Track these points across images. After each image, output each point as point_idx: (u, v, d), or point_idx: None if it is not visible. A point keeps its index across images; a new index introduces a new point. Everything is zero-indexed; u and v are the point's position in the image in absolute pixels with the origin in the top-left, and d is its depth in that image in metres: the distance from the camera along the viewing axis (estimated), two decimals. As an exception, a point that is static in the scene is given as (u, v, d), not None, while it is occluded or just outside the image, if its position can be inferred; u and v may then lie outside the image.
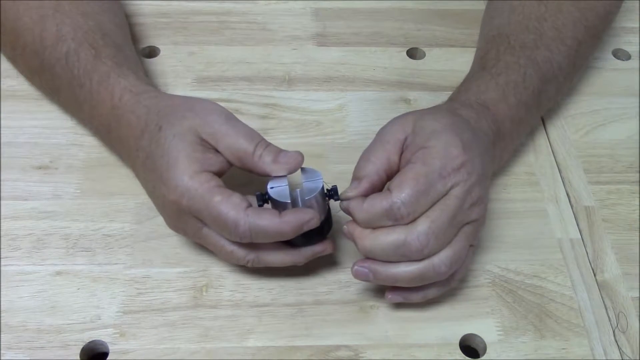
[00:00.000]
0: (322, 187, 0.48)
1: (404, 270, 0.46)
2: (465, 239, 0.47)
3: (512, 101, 0.55)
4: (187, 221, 0.48)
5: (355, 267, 0.47)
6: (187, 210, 0.47)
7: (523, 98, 0.56)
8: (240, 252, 0.48)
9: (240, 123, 0.49)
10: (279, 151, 0.48)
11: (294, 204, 0.47)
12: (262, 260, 0.49)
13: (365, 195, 0.47)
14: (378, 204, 0.45)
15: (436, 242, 0.46)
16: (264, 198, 0.48)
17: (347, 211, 0.47)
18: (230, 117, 0.49)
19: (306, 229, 0.46)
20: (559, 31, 0.59)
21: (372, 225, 0.46)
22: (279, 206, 0.47)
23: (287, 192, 0.47)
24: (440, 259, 0.46)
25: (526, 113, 0.57)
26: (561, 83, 0.61)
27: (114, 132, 0.53)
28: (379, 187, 0.48)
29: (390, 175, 0.48)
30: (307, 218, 0.46)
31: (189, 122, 0.49)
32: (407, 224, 0.46)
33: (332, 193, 0.48)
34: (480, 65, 0.58)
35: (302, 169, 0.48)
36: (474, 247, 0.50)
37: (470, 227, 0.48)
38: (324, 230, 0.49)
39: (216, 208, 0.46)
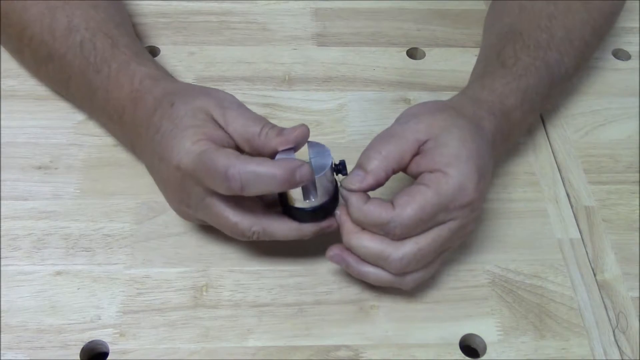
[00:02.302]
0: (332, 164, 0.47)
1: (374, 273, 0.48)
2: (440, 262, 0.49)
3: (526, 108, 0.55)
4: (190, 191, 0.47)
5: (331, 252, 0.48)
6: (186, 170, 0.46)
7: (535, 104, 0.56)
8: (245, 223, 0.47)
9: (249, 110, 0.49)
10: (282, 128, 0.48)
11: None
12: (268, 232, 0.48)
13: (368, 190, 0.47)
14: (377, 214, 0.46)
15: (415, 267, 0.47)
16: None
17: (346, 201, 0.47)
18: (241, 104, 0.50)
19: (299, 176, 0.44)
20: (568, 31, 0.59)
21: (363, 226, 0.47)
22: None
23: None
24: (412, 277, 0.48)
25: (532, 116, 0.58)
26: (565, 85, 0.61)
27: (127, 115, 0.53)
28: (383, 183, 0.48)
29: (397, 171, 0.48)
30: (298, 163, 0.45)
31: (201, 102, 0.49)
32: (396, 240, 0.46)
33: (341, 167, 0.48)
34: (500, 62, 0.57)
35: (310, 144, 0.48)
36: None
37: (448, 251, 0.50)
38: (331, 207, 0.48)
39: (208, 156, 0.45)
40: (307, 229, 0.49)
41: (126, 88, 0.53)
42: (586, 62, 0.65)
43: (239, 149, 0.48)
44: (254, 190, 0.44)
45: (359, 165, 0.48)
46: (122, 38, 0.56)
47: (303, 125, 0.47)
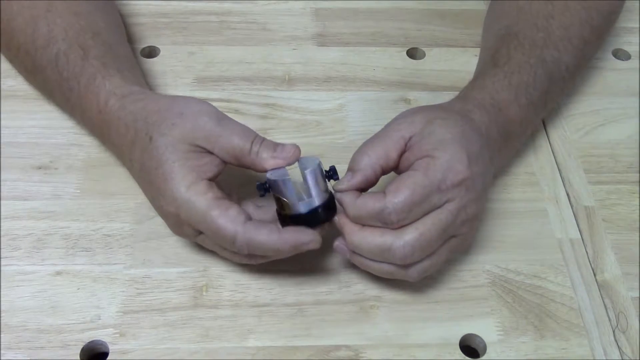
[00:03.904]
0: (319, 164, 0.47)
1: (379, 266, 0.48)
2: (447, 251, 0.48)
3: (523, 102, 0.55)
4: (186, 229, 0.48)
5: (337, 242, 0.49)
6: (186, 221, 0.47)
7: (533, 99, 0.56)
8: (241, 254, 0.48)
9: (232, 121, 0.49)
10: (275, 146, 0.48)
11: (295, 183, 0.47)
12: (263, 257, 0.48)
13: (359, 188, 0.47)
14: (370, 204, 0.46)
15: (420, 254, 0.46)
16: (264, 187, 0.47)
17: (341, 203, 0.48)
18: (221, 117, 0.49)
19: (304, 249, 0.46)
20: (566, 30, 0.59)
21: (362, 222, 0.47)
22: (279, 187, 0.46)
23: (286, 172, 0.47)
24: (417, 268, 0.47)
25: (534, 114, 0.57)
26: (566, 83, 0.61)
27: (106, 137, 0.53)
28: (373, 181, 0.48)
29: (386, 170, 0.48)
30: (306, 240, 0.46)
31: (179, 129, 0.48)
32: (396, 228, 0.46)
33: (332, 173, 0.48)
34: (492, 63, 0.57)
35: (299, 160, 0.48)
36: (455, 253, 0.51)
37: (457, 240, 0.49)
38: (328, 214, 0.48)
39: (214, 222, 0.46)
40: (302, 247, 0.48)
41: (94, 109, 0.53)
42: (588, 61, 0.65)
43: (225, 163, 0.49)
44: (258, 254, 0.47)
45: (348, 169, 0.49)
46: (95, 48, 0.55)
47: (295, 145, 0.48)
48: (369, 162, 0.48)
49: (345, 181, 0.48)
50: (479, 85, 0.55)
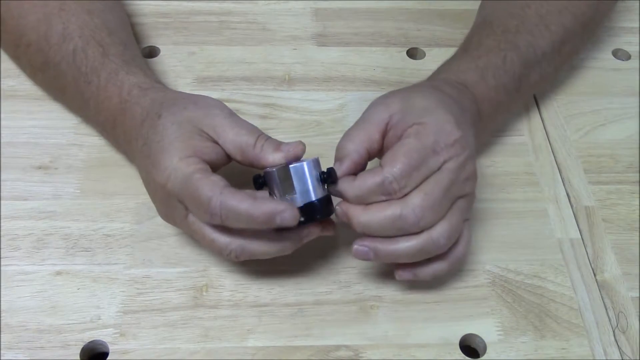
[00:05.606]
0: (312, 162, 0.47)
1: (404, 245, 0.46)
2: (459, 212, 0.48)
3: (491, 83, 0.56)
4: (175, 207, 0.48)
5: (355, 246, 0.47)
6: (172, 192, 0.47)
7: (503, 81, 0.56)
8: (222, 240, 0.47)
9: (241, 118, 0.50)
10: (279, 143, 0.48)
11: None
12: (246, 250, 0.47)
13: (349, 174, 0.48)
14: (370, 179, 0.46)
15: (432, 215, 0.46)
16: (260, 180, 0.47)
17: (339, 193, 0.47)
18: (231, 113, 0.50)
19: (279, 221, 0.44)
20: (542, 17, 0.60)
21: (365, 201, 0.47)
22: (270, 179, 0.47)
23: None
24: (439, 232, 0.46)
25: (506, 96, 0.57)
26: (544, 69, 0.61)
27: (119, 126, 0.53)
28: (362, 164, 0.48)
29: (372, 153, 0.49)
30: (281, 208, 0.44)
31: (189, 113, 0.49)
32: (401, 198, 0.46)
33: (326, 176, 0.47)
34: (462, 49, 0.59)
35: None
36: (469, 221, 0.50)
37: (464, 201, 0.48)
38: (322, 210, 0.47)
39: (194, 184, 0.45)
40: (289, 242, 0.47)
41: (115, 99, 0.53)
42: (574, 49, 0.64)
43: (229, 158, 0.49)
44: (234, 225, 0.45)
45: (335, 159, 0.49)
46: (113, 46, 0.56)
47: (300, 142, 0.48)
48: (354, 147, 0.48)
49: (336, 169, 0.48)
50: (445, 69, 0.57)
